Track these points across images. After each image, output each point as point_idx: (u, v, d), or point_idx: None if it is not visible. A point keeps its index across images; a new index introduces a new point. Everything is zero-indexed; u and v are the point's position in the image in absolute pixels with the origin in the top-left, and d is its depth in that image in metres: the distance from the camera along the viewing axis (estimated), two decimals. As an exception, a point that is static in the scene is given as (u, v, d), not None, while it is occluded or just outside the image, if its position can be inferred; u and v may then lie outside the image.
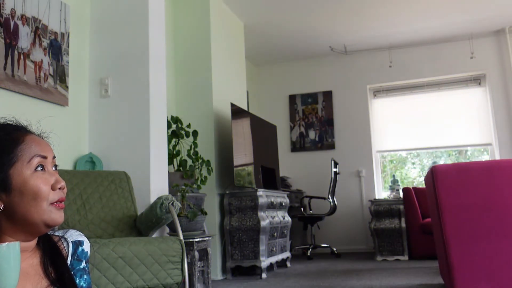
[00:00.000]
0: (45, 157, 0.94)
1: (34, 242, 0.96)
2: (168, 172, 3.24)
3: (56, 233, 1.03)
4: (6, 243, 0.77)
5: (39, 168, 0.92)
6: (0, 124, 0.95)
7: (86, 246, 1.06)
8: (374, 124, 6.32)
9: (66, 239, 1.03)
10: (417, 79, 6.16)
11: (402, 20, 5.40)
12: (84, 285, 1.03)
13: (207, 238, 3.09)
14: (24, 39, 2.60)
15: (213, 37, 4.38)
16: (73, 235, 1.05)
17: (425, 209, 5.02)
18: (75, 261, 1.02)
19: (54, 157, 0.98)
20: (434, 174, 2.42)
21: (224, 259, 4.07)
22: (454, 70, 6.03)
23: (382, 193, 6.21)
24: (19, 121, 0.99)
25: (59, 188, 0.94)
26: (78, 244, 1.05)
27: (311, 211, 5.88)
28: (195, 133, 3.72)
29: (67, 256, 1.02)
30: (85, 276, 1.04)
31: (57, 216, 0.93)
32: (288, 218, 4.61)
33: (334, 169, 5.49)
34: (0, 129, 0.94)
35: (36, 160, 0.92)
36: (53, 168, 0.97)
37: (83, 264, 1.04)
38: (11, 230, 0.91)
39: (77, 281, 1.01)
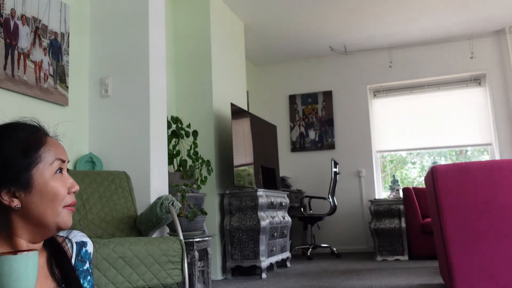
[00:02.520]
0: (64, 161, 0.97)
1: (41, 244, 0.97)
2: (168, 172, 3.24)
3: (60, 234, 1.04)
4: (25, 252, 0.78)
5: (58, 171, 0.95)
6: (21, 124, 0.96)
7: (90, 247, 1.07)
8: (374, 124, 6.32)
9: (70, 240, 1.04)
10: (417, 79, 6.16)
11: (402, 20, 5.40)
12: (88, 286, 1.04)
13: (207, 238, 3.09)
14: (24, 39, 2.60)
15: (213, 37, 4.38)
16: (77, 236, 1.06)
17: (425, 209, 5.02)
18: (79, 262, 1.03)
19: (68, 161, 1.00)
20: (434, 174, 2.42)
21: (224, 259, 4.07)
22: (454, 70, 6.03)
23: (382, 193, 6.21)
24: (40, 122, 1.00)
25: (74, 192, 0.96)
26: (82, 245, 1.05)
27: (311, 211, 5.88)
28: (195, 133, 3.72)
29: (71, 257, 1.02)
30: (89, 277, 1.05)
31: (68, 219, 0.95)
32: (288, 218, 4.61)
33: (334, 169, 5.49)
34: (21, 129, 0.94)
35: (57, 163, 0.94)
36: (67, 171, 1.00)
37: (87, 265, 1.05)
38: (22, 230, 0.91)
39: (81, 282, 1.02)
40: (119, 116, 3.04)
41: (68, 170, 1.00)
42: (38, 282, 0.91)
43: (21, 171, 0.89)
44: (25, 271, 0.78)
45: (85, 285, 1.03)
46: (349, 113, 6.36)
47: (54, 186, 0.92)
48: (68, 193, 0.95)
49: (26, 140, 0.92)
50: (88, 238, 1.08)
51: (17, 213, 0.90)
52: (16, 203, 0.89)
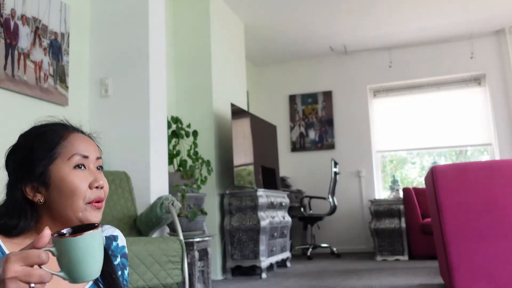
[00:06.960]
0: (86, 157, 0.94)
1: None
2: (168, 172, 3.24)
3: None
4: (91, 231, 0.73)
5: (79, 167, 0.93)
6: (45, 123, 0.97)
7: (121, 241, 1.06)
8: (374, 124, 6.32)
9: None
10: (417, 79, 6.16)
11: (402, 20, 5.40)
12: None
13: (207, 238, 3.09)
14: (24, 39, 2.59)
15: (213, 37, 4.38)
16: (107, 230, 1.05)
17: (425, 209, 5.02)
18: (111, 257, 1.02)
19: (99, 158, 0.98)
20: (434, 174, 2.42)
21: (224, 259, 4.07)
22: (454, 70, 6.03)
23: (382, 193, 6.21)
24: (69, 121, 1.00)
25: (97, 187, 0.93)
26: (112, 239, 1.04)
27: (311, 211, 5.88)
28: (195, 133, 3.72)
29: None
30: (120, 272, 1.03)
31: (92, 216, 0.92)
32: (288, 218, 4.61)
33: (334, 169, 5.49)
34: (46, 125, 0.96)
35: (76, 159, 0.92)
36: (97, 168, 0.96)
37: (118, 259, 1.03)
38: (51, 224, 0.91)
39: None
40: (119, 116, 3.04)
41: (101, 167, 0.97)
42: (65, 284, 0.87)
43: (38, 166, 0.90)
44: (92, 251, 0.72)
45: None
46: (349, 113, 6.35)
47: (71, 181, 0.90)
48: (91, 188, 0.92)
49: (44, 135, 0.93)
50: (119, 231, 1.07)
51: (43, 207, 0.91)
52: (39, 197, 0.90)
